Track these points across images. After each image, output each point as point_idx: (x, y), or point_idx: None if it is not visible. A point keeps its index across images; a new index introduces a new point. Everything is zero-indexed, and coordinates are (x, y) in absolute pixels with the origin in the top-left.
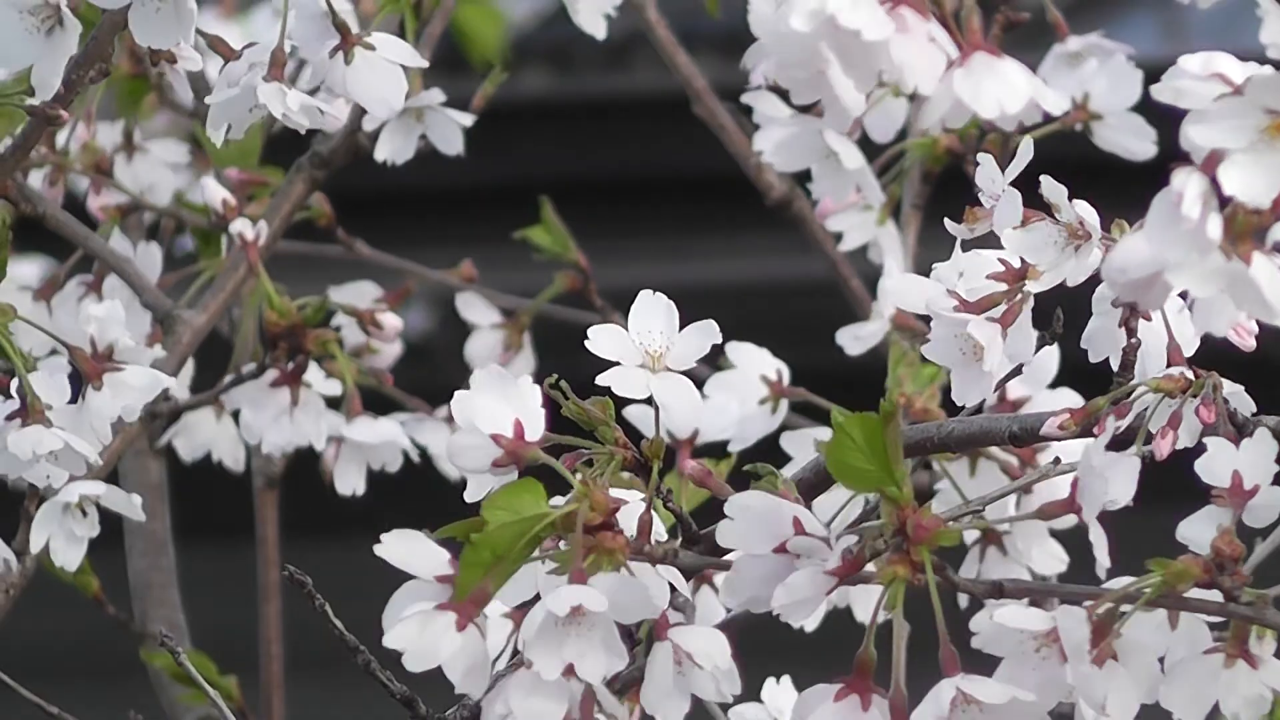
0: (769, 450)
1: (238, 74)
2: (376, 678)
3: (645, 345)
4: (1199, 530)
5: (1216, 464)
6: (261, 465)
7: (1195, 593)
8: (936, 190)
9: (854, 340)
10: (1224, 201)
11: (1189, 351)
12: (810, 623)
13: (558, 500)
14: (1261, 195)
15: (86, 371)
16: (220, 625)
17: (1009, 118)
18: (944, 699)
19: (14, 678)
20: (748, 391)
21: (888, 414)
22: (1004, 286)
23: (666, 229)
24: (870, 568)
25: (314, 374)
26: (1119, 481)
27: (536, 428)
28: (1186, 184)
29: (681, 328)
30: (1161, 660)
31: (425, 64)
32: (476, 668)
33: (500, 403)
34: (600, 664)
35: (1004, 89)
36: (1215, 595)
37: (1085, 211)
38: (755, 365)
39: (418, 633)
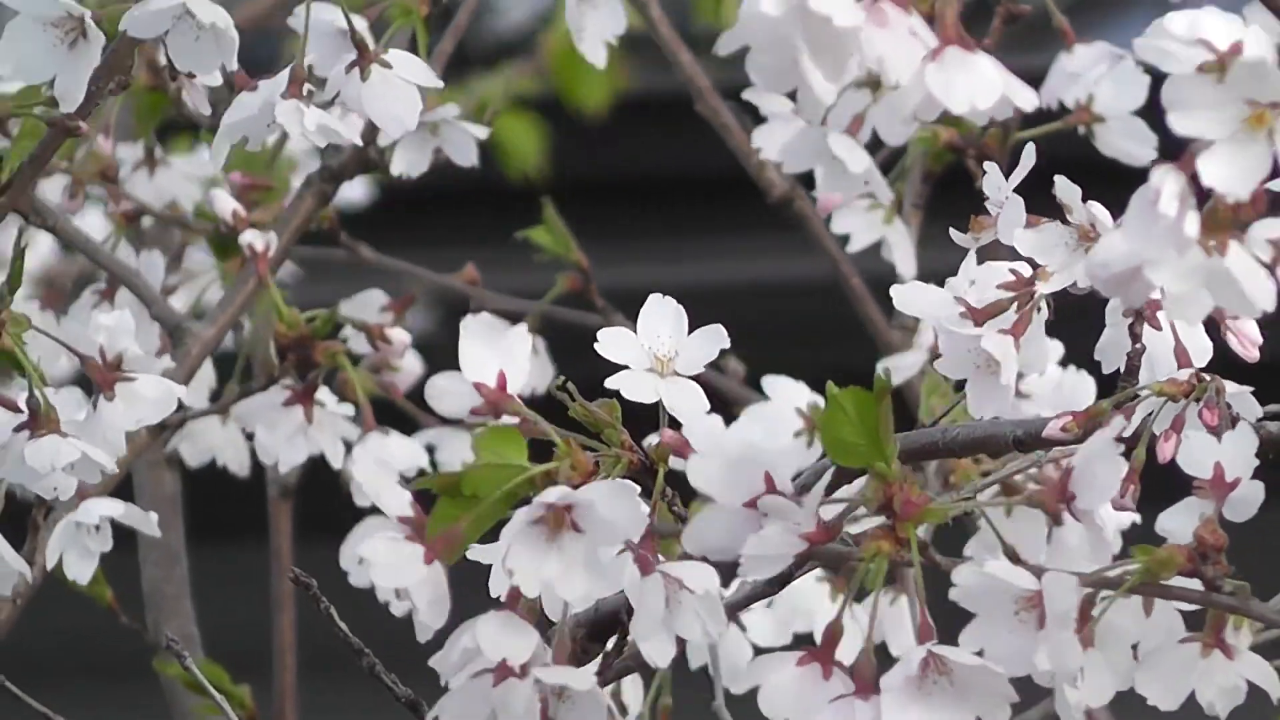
0: None
1: (254, 102)
2: (381, 680)
3: (654, 350)
4: (1179, 522)
5: (1199, 455)
6: (276, 475)
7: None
8: (937, 189)
9: (893, 372)
10: (1203, 199)
11: (1202, 361)
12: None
13: None
14: (1239, 187)
15: (99, 381)
16: (234, 633)
17: (980, 113)
18: (914, 661)
19: (23, 678)
20: (782, 424)
21: (881, 389)
22: (1012, 294)
23: (667, 229)
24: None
25: (328, 395)
26: (1103, 481)
27: (519, 380)
28: (1164, 182)
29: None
30: (1135, 646)
31: (440, 85)
32: (439, 600)
33: (487, 351)
34: (580, 584)
35: (976, 83)
36: (1196, 584)
37: (1098, 212)
38: (790, 398)
39: (387, 551)
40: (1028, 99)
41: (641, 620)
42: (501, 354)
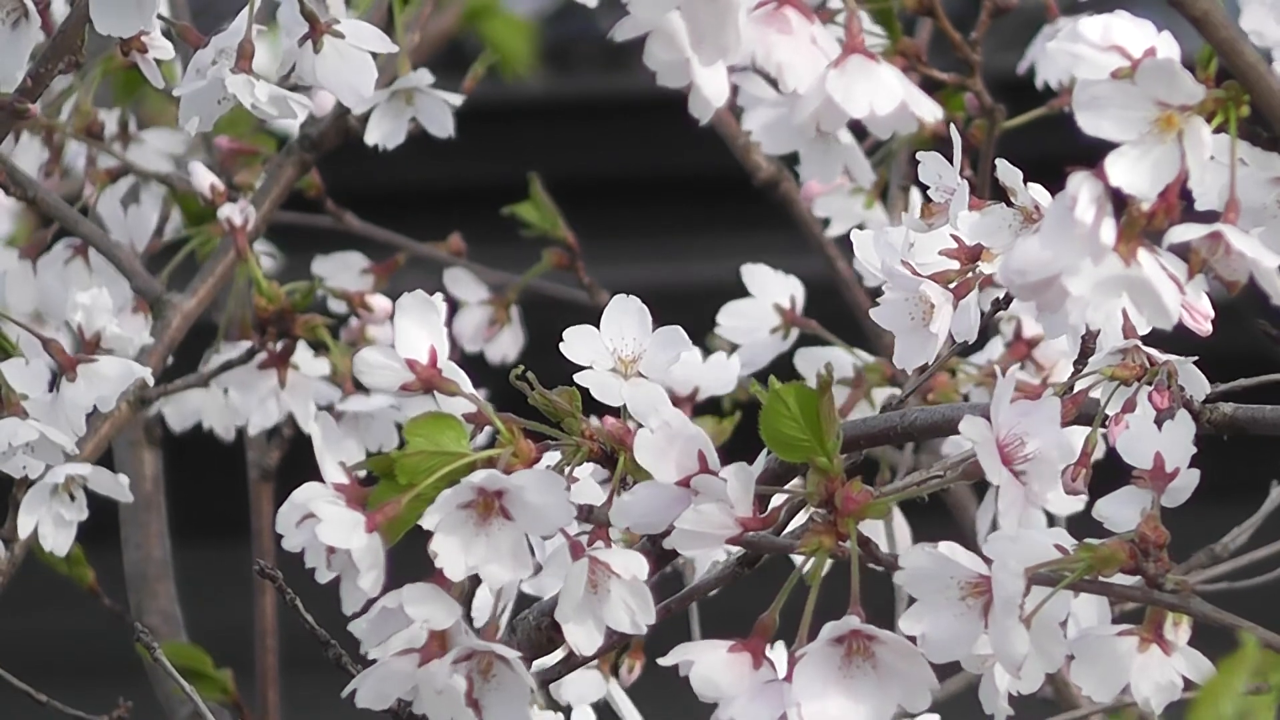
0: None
1: (205, 61)
2: (347, 671)
3: (618, 351)
4: (1117, 509)
5: (1139, 445)
6: (256, 458)
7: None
8: None
9: None
10: (1122, 207)
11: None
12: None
13: None
14: (1147, 189)
15: (62, 364)
16: (219, 619)
17: (879, 121)
18: (839, 629)
19: (8, 671)
20: (761, 318)
21: (823, 384)
22: (955, 264)
23: (665, 229)
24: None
25: (303, 355)
26: (1043, 430)
27: (444, 353)
28: (1080, 188)
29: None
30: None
31: (395, 49)
32: (376, 570)
33: (419, 328)
34: (505, 571)
35: (876, 89)
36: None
37: (1040, 196)
38: (770, 292)
39: (332, 510)
40: (929, 110)
41: (564, 603)
42: (434, 331)
